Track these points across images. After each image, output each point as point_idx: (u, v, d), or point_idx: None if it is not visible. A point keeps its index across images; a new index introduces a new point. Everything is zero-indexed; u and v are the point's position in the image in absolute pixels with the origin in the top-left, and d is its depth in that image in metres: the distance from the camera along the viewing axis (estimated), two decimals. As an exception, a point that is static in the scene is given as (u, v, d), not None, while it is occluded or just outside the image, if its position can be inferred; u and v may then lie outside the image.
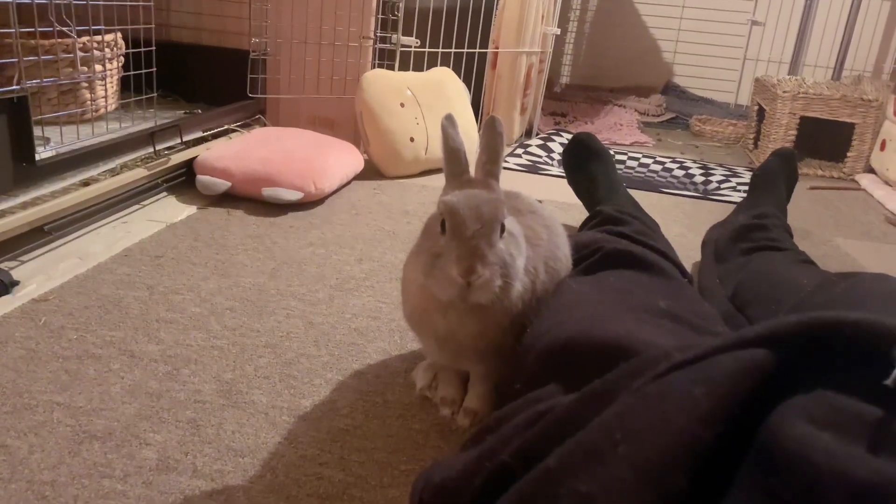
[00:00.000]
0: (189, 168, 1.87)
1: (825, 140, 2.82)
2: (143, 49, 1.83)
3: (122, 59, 1.99)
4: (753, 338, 0.48)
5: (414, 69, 2.33)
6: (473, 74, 2.50)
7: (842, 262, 1.79)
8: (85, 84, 1.87)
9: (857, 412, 0.43)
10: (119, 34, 1.94)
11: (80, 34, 1.68)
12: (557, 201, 2.01)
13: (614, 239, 1.13)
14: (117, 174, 1.66)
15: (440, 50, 2.39)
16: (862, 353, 0.45)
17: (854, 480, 0.38)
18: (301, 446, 0.92)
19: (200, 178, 1.81)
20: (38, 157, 1.48)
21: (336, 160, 1.96)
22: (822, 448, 0.40)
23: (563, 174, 1.80)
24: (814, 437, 0.41)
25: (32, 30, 1.50)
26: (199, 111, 2.21)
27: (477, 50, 2.50)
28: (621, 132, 3.19)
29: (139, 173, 1.70)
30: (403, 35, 2.26)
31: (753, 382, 0.45)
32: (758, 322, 1.08)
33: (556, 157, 2.66)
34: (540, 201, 1.12)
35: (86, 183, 1.58)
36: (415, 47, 2.30)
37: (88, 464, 0.86)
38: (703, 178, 2.58)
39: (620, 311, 0.82)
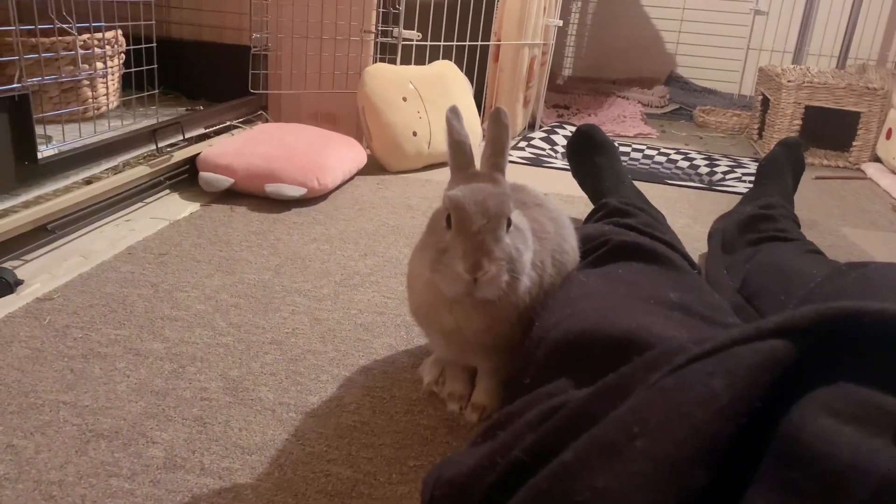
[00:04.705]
0: (192, 165, 1.86)
1: (830, 129, 2.80)
2: (143, 46, 1.82)
3: (122, 56, 1.98)
4: (772, 329, 0.47)
5: (416, 63, 2.31)
6: (476, 67, 2.49)
7: (849, 252, 1.78)
8: (86, 82, 1.86)
9: (879, 405, 0.42)
10: (119, 31, 1.93)
11: (80, 31, 1.67)
12: (562, 194, 2.00)
13: (622, 231, 1.12)
14: (120, 172, 1.65)
15: (442, 43, 2.38)
16: (883, 344, 0.44)
17: (878, 474, 0.37)
18: (308, 443, 0.92)
19: (203, 174, 1.81)
20: (40, 156, 1.47)
21: (339, 155, 1.95)
22: (845, 442, 0.39)
23: (567, 167, 1.79)
24: (836, 431, 0.40)
25: (33, 27, 1.49)
26: (201, 108, 2.20)
27: (479, 43, 2.48)
28: (625, 124, 3.17)
29: (142, 171, 1.70)
30: (405, 28, 2.25)
31: (774, 375, 0.44)
32: (767, 313, 1.07)
33: (560, 149, 2.65)
34: (545, 195, 1.10)
35: (88, 181, 1.57)
36: (416, 41, 2.29)
37: (95, 463, 0.85)
38: (707, 169, 2.56)
39: (630, 303, 0.81)
